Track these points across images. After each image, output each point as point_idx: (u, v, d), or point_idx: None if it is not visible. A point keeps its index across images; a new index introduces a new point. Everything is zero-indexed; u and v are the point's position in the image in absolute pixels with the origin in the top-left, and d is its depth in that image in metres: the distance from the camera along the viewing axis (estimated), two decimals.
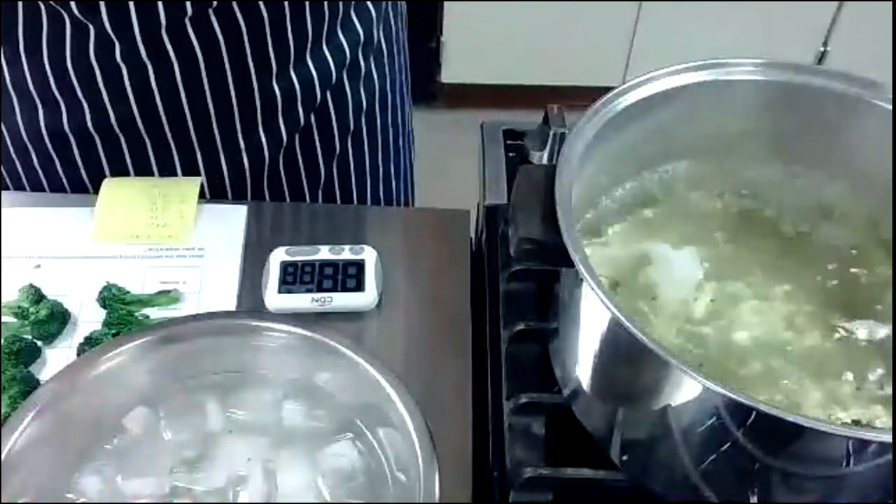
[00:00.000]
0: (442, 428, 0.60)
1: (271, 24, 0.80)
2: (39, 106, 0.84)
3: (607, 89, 0.65)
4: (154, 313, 0.76)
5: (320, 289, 0.76)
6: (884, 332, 0.64)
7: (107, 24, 0.75)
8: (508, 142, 0.88)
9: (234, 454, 0.61)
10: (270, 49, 0.82)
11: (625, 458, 0.63)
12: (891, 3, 1.96)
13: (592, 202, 0.70)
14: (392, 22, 0.97)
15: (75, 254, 0.80)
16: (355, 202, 1.00)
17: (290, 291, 0.76)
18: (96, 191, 0.84)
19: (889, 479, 0.53)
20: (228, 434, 0.62)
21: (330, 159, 0.95)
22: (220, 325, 0.65)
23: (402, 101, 1.02)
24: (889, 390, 0.61)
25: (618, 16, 2.14)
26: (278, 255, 0.78)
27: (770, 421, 0.49)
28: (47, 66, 0.80)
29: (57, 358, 0.73)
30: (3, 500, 0.55)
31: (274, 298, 0.76)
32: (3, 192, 0.84)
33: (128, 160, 0.87)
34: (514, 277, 0.76)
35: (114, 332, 0.73)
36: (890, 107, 0.65)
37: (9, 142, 0.88)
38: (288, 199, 0.94)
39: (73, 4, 0.73)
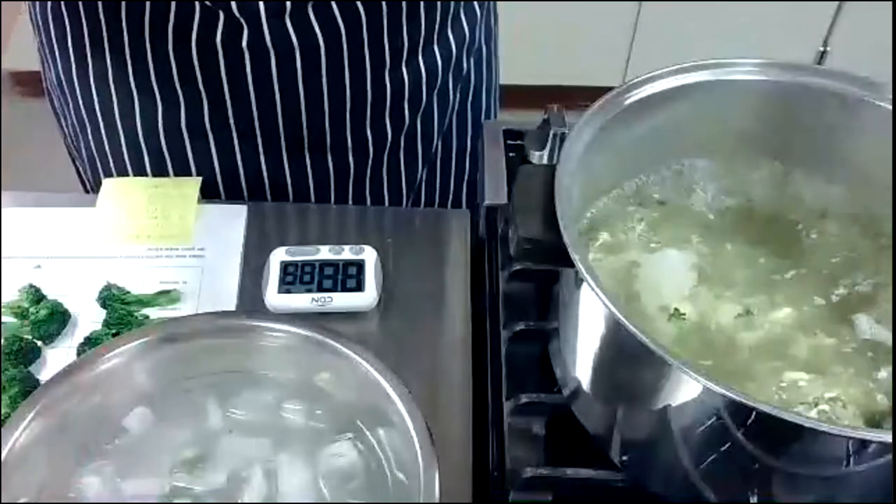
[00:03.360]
0: (442, 428, 0.60)
1: (389, 17, 0.81)
2: (159, 102, 0.84)
3: (607, 89, 0.65)
4: (154, 313, 0.76)
5: (320, 289, 0.76)
6: (884, 332, 0.64)
7: (234, 9, 0.75)
8: (508, 142, 0.88)
9: (234, 454, 0.61)
10: (386, 42, 0.83)
11: (625, 458, 0.63)
12: (891, 3, 1.96)
13: (592, 202, 0.70)
14: (491, 23, 0.98)
15: (75, 254, 0.80)
16: (441, 202, 1.02)
17: (289, 291, 0.76)
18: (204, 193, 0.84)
19: (889, 479, 0.53)
20: (228, 434, 0.62)
21: (428, 159, 0.96)
22: (220, 325, 0.65)
23: (492, 105, 1.03)
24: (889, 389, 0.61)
25: (618, 16, 2.14)
26: (278, 255, 0.78)
27: (770, 421, 0.49)
28: (171, 57, 0.80)
29: (57, 358, 0.73)
30: (3, 500, 0.55)
31: (274, 298, 0.76)
32: (3, 192, 0.84)
33: (238, 159, 0.88)
34: (514, 277, 0.76)
35: (114, 332, 0.73)
36: (890, 107, 0.65)
37: (124, 143, 0.88)
38: (387, 200, 0.95)
39: None
